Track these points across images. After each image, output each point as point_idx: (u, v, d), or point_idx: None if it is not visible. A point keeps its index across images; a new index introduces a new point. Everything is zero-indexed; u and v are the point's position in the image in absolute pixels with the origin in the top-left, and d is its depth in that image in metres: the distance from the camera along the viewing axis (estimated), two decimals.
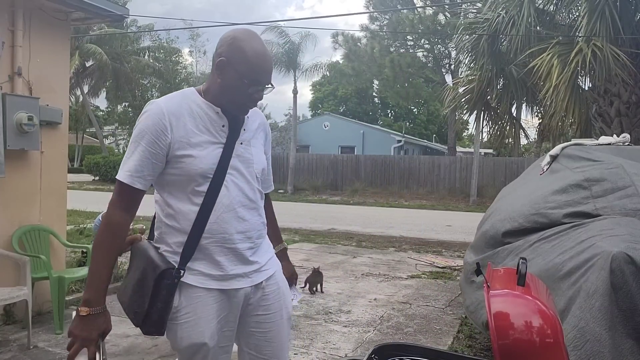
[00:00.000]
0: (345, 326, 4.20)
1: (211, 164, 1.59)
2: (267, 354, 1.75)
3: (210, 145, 1.60)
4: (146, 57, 27.84)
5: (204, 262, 1.60)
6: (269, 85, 1.65)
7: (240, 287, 1.64)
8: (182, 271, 1.57)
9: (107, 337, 3.70)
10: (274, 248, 1.87)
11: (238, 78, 1.57)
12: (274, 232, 1.96)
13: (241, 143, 1.67)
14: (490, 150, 30.64)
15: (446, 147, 29.18)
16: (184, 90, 1.67)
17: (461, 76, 10.96)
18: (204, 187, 1.59)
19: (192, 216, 1.58)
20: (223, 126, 1.64)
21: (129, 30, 26.60)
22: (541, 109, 10.07)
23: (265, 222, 1.77)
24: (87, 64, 25.57)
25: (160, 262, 1.56)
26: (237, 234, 1.63)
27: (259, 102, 1.72)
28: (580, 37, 7.55)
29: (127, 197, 1.58)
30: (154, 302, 1.55)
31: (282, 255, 1.97)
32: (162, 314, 1.56)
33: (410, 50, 25.99)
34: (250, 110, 1.70)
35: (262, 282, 1.70)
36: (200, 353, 1.59)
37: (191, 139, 1.58)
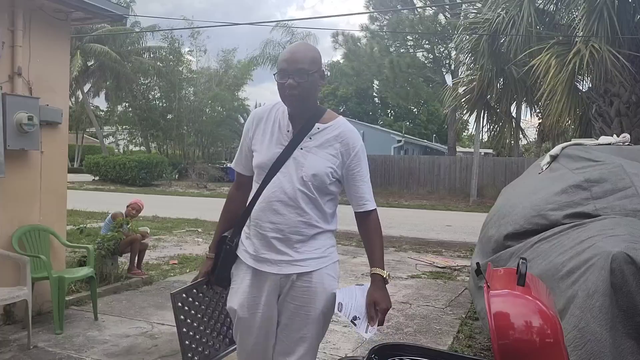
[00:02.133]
0: (345, 326, 4.20)
1: (267, 160, 1.89)
2: (282, 343, 1.95)
3: (273, 145, 1.91)
4: (147, 57, 27.83)
5: (248, 240, 1.93)
6: (297, 73, 1.80)
7: (268, 271, 1.88)
8: (232, 242, 1.97)
9: (107, 337, 3.69)
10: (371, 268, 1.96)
11: (276, 73, 1.85)
12: (369, 255, 1.99)
13: (301, 148, 1.89)
14: (490, 150, 30.63)
15: (446, 147, 29.18)
16: (280, 101, 1.95)
17: (461, 76, 10.95)
18: (261, 178, 1.92)
19: (249, 200, 1.95)
20: (288, 131, 1.91)
21: (130, 30, 26.57)
22: (541, 108, 10.06)
23: (310, 222, 1.88)
24: (88, 64, 25.55)
25: (227, 232, 2.03)
26: (269, 223, 1.87)
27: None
28: (578, 38, 7.54)
29: (237, 179, 2.09)
30: (217, 261, 2.01)
31: (373, 280, 1.95)
32: (221, 271, 1.98)
33: (410, 51, 25.99)
34: (334, 123, 1.93)
35: (293, 275, 1.88)
36: (234, 317, 1.94)
37: (261, 137, 1.94)
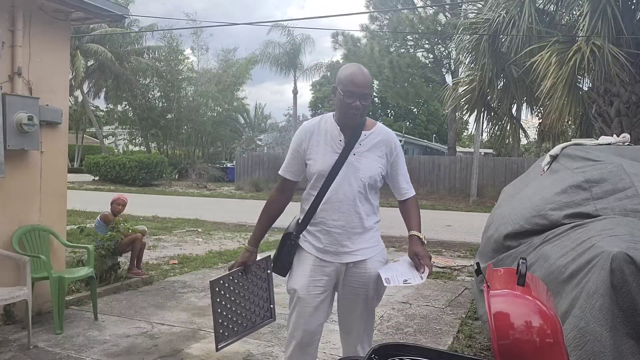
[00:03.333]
0: None
1: (326, 167, 2.21)
2: (344, 321, 2.38)
3: (329, 154, 2.22)
4: (147, 57, 27.81)
5: (313, 235, 2.26)
6: (363, 97, 2.14)
7: (331, 261, 2.23)
8: (297, 238, 2.29)
9: (107, 337, 3.69)
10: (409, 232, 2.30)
11: (340, 93, 2.15)
12: (408, 222, 2.36)
13: (354, 154, 2.22)
14: (490, 150, 30.64)
15: (446, 147, 29.17)
16: (324, 115, 2.32)
17: (461, 76, 10.95)
18: (320, 183, 2.23)
19: (311, 202, 2.25)
20: (340, 140, 2.23)
21: (130, 30, 26.57)
22: (541, 108, 10.06)
23: (364, 217, 2.24)
24: (88, 64, 25.55)
25: (290, 228, 2.34)
26: (333, 221, 2.22)
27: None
28: (580, 36, 7.54)
29: (282, 184, 2.37)
30: (280, 253, 2.35)
31: (411, 240, 2.26)
32: (284, 261, 2.33)
33: (410, 51, 25.98)
34: (376, 128, 2.28)
35: (350, 263, 2.23)
36: (294, 296, 2.26)
37: (316, 148, 2.26)
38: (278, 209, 2.35)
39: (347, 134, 2.23)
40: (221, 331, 2.26)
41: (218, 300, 2.24)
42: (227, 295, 2.27)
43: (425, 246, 2.22)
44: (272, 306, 2.43)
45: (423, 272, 2.13)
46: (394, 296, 5.22)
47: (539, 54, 7.77)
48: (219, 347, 2.24)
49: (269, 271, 2.43)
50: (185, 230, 9.83)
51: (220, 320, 2.24)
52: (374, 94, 40.19)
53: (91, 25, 20.44)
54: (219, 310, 2.24)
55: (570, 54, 7.36)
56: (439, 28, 23.59)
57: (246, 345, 3.67)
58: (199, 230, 9.89)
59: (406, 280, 2.11)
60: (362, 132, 2.25)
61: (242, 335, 2.34)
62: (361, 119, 2.22)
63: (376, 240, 2.33)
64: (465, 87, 9.99)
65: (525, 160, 20.02)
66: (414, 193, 2.38)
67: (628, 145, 4.24)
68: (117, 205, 5.74)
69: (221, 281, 2.26)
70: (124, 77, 25.92)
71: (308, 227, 2.28)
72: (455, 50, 16.20)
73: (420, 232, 2.26)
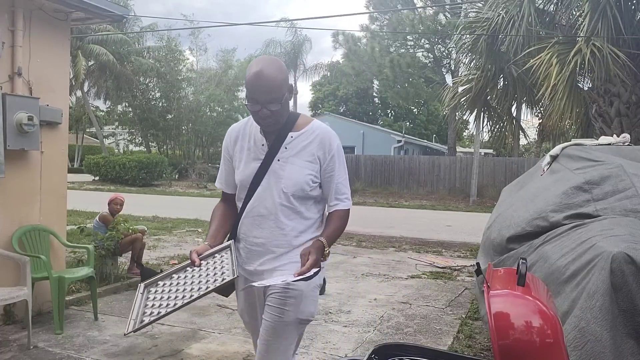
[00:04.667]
0: (345, 326, 4.20)
1: (247, 176, 1.94)
2: (259, 348, 1.95)
3: (251, 161, 1.94)
4: (147, 57, 27.82)
5: (239, 253, 2.00)
6: (270, 103, 1.79)
7: (252, 280, 1.93)
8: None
9: (107, 337, 3.69)
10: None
11: (246, 99, 1.85)
12: (324, 231, 1.96)
13: (278, 160, 1.91)
14: (490, 150, 30.64)
15: (446, 147, 29.18)
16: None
17: (461, 76, 10.96)
18: (243, 195, 1.98)
19: (236, 216, 2.02)
20: (262, 145, 1.93)
21: (130, 31, 26.57)
22: (541, 108, 10.07)
23: (291, 234, 1.91)
24: (89, 64, 25.56)
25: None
26: (253, 238, 1.94)
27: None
28: (580, 37, 7.54)
29: (222, 194, 2.12)
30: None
31: (312, 243, 1.88)
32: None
33: (411, 50, 25.98)
34: (308, 128, 1.93)
35: (270, 285, 1.86)
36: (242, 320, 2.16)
37: (240, 155, 1.99)
38: (222, 214, 2.06)
39: (272, 137, 1.92)
40: (141, 319, 1.76)
41: (149, 297, 1.85)
42: (159, 289, 1.87)
43: (323, 254, 1.84)
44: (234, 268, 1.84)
45: (298, 275, 1.77)
46: (394, 296, 5.22)
47: (539, 56, 7.77)
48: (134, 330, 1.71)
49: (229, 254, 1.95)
50: (185, 230, 9.83)
51: (145, 311, 1.78)
52: (374, 94, 40.29)
53: (92, 26, 20.43)
54: (148, 303, 1.81)
55: (571, 55, 7.36)
56: (439, 28, 23.59)
57: (246, 345, 3.67)
58: (199, 230, 9.89)
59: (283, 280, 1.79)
60: (289, 133, 1.91)
61: (173, 310, 1.76)
62: (277, 126, 1.88)
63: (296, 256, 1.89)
64: (465, 87, 10.00)
65: (525, 160, 20.03)
66: (346, 207, 1.99)
67: (628, 145, 4.25)
68: (115, 205, 5.73)
69: (159, 282, 1.90)
70: (124, 77, 25.92)
71: (236, 244, 2.01)
72: (455, 50, 16.22)
73: (328, 241, 1.87)
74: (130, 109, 29.86)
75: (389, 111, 42.61)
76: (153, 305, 1.77)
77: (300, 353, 3.55)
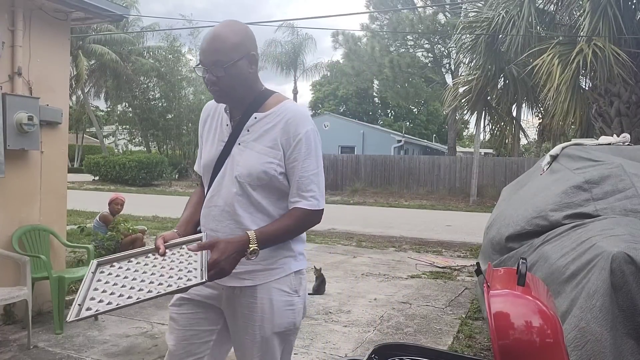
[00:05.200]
0: (345, 326, 4.20)
1: (210, 160, 1.72)
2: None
3: (216, 143, 1.72)
4: (147, 57, 27.83)
5: None
6: (213, 66, 1.56)
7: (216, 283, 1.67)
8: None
9: (107, 337, 3.69)
10: None
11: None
12: (266, 225, 1.64)
13: (239, 144, 1.67)
14: (490, 150, 30.65)
15: (446, 147, 29.19)
16: None
17: (461, 76, 10.97)
18: (207, 180, 1.75)
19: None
20: (227, 125, 1.71)
21: (131, 31, 26.57)
22: (541, 109, 10.07)
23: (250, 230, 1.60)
24: (90, 64, 25.57)
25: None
26: (210, 232, 1.69)
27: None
28: (581, 37, 7.55)
29: (201, 178, 1.85)
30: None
31: (234, 236, 1.61)
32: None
33: (411, 50, 26.00)
34: (275, 110, 1.66)
35: (235, 287, 1.67)
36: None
37: (207, 135, 1.79)
38: (197, 202, 1.81)
39: (237, 117, 1.70)
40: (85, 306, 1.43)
41: (99, 279, 1.54)
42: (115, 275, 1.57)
43: (245, 252, 1.53)
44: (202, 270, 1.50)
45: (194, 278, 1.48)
46: (394, 296, 5.22)
47: (541, 57, 7.78)
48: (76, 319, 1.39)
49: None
50: None
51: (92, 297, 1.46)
52: (374, 94, 40.30)
53: (93, 26, 20.44)
54: (98, 287, 1.50)
55: (573, 55, 7.37)
56: (439, 28, 23.60)
57: None
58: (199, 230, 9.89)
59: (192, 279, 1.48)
60: (254, 114, 1.66)
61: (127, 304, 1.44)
62: (225, 99, 1.66)
63: (278, 262, 1.67)
64: (465, 87, 10.01)
65: (525, 160, 20.03)
66: (308, 207, 1.64)
67: (628, 145, 4.25)
68: (116, 205, 5.73)
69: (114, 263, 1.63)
70: (125, 77, 25.92)
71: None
72: (455, 49, 16.22)
73: (260, 238, 1.56)
74: (130, 109, 29.86)
75: (389, 111, 42.62)
76: (104, 291, 1.47)
77: (300, 353, 3.55)
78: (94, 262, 1.62)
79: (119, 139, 37.76)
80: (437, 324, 4.35)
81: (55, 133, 4.40)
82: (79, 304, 1.41)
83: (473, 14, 11.16)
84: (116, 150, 36.14)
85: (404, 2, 24.97)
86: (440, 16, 24.00)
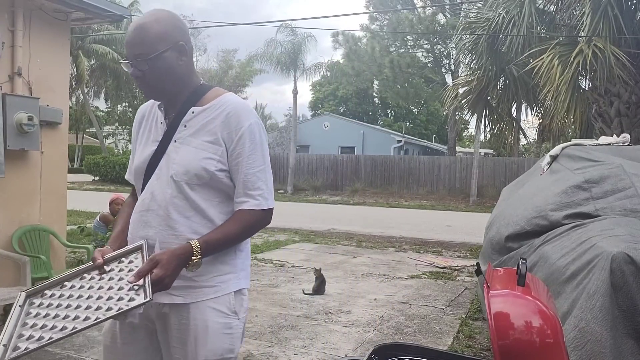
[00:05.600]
0: (345, 326, 4.20)
1: (142, 162, 1.57)
2: None
3: (150, 144, 1.57)
4: None
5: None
6: (136, 60, 1.44)
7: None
8: None
9: None
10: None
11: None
12: (213, 230, 1.50)
13: (175, 141, 1.52)
14: (490, 150, 30.66)
15: (446, 147, 29.20)
16: None
17: (461, 76, 10.98)
18: (139, 186, 1.59)
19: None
20: (161, 123, 1.57)
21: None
22: (541, 109, 10.08)
23: (187, 238, 1.44)
24: (91, 64, 25.58)
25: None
26: (140, 238, 1.51)
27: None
28: (582, 37, 7.55)
29: (132, 187, 1.70)
30: None
31: (177, 247, 1.44)
32: None
33: (410, 51, 26.02)
34: (214, 103, 1.52)
35: (164, 305, 1.49)
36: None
37: (141, 137, 1.63)
38: (130, 213, 1.61)
39: (172, 113, 1.57)
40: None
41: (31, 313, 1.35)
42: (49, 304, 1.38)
43: (188, 263, 1.39)
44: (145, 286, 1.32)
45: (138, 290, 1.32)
46: (394, 296, 5.22)
47: (541, 57, 7.78)
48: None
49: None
50: None
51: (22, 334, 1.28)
52: (374, 94, 40.31)
53: (93, 26, 20.46)
54: (28, 322, 1.31)
55: (573, 56, 7.37)
56: (438, 28, 23.63)
57: (246, 345, 3.67)
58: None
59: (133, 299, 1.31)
60: (191, 108, 1.53)
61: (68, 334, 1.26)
62: (154, 95, 1.54)
63: (216, 279, 1.49)
64: (465, 87, 10.01)
65: (525, 160, 20.03)
66: (256, 207, 1.50)
67: (628, 145, 4.25)
68: (117, 205, 5.73)
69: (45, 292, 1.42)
70: (125, 77, 25.92)
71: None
72: (455, 50, 16.23)
73: (205, 247, 1.41)
74: (130, 109, 29.88)
75: (389, 111, 42.63)
76: (34, 325, 1.28)
77: (300, 353, 3.55)
78: (22, 295, 1.40)
79: (119, 139, 37.76)
80: (437, 324, 4.35)
81: (55, 133, 4.40)
82: (3, 345, 1.22)
83: (473, 14, 11.17)
84: (116, 150, 36.15)
85: (403, 3, 25.00)
86: (440, 16, 24.02)
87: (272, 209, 1.55)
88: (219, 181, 1.50)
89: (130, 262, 1.45)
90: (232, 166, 1.51)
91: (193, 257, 1.39)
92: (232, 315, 1.52)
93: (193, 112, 1.53)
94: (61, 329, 1.25)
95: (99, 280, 1.40)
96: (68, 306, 1.33)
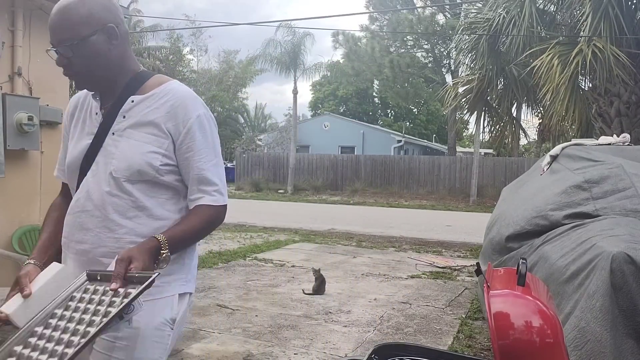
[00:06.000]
0: (345, 326, 4.20)
1: (76, 157, 1.42)
2: None
3: (84, 137, 1.43)
4: (147, 57, 27.86)
5: (66, 261, 1.43)
6: (60, 45, 1.36)
7: None
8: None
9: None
10: None
11: None
12: (172, 227, 1.36)
13: (113, 133, 1.38)
14: (490, 150, 30.67)
15: (446, 147, 29.21)
16: None
17: (461, 76, 10.98)
18: (74, 184, 1.44)
19: None
20: (96, 113, 1.42)
21: (131, 31, 26.60)
22: (541, 109, 10.08)
23: (127, 240, 1.32)
24: None
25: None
26: (76, 244, 1.38)
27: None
28: (582, 37, 7.55)
29: (62, 186, 1.57)
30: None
31: (141, 243, 1.28)
32: None
33: (410, 51, 26.03)
34: (157, 91, 1.39)
35: None
36: None
37: (74, 129, 1.49)
38: (59, 217, 1.48)
39: (109, 103, 1.42)
40: None
41: None
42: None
43: (157, 259, 1.26)
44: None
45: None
46: (394, 296, 5.22)
47: (540, 57, 7.79)
48: None
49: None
50: None
51: None
52: (374, 94, 40.29)
53: None
54: None
55: (572, 55, 7.37)
56: (438, 28, 23.64)
57: (246, 345, 3.67)
58: None
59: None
60: (131, 97, 1.39)
61: None
62: (86, 85, 1.41)
63: (160, 278, 1.22)
64: (465, 87, 10.02)
65: (525, 160, 20.04)
66: (214, 203, 1.39)
67: (628, 145, 4.25)
68: None
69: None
70: None
71: (66, 254, 1.44)
72: (455, 50, 16.25)
73: (170, 242, 1.28)
74: None
75: (389, 111, 42.62)
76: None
77: (300, 353, 3.55)
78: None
79: None
80: (437, 324, 4.34)
81: (55, 133, 4.40)
82: None
83: (473, 14, 11.17)
84: None
85: (403, 3, 25.01)
86: (440, 17, 24.04)
87: (226, 205, 1.45)
88: (165, 177, 1.37)
89: (95, 291, 1.21)
90: (181, 161, 1.39)
91: (162, 251, 1.26)
92: (167, 324, 1.39)
93: (133, 101, 1.39)
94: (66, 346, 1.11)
95: (59, 321, 1.18)
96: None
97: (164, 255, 1.26)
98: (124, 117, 1.38)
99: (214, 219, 1.41)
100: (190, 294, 1.48)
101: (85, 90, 1.48)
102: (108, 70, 1.38)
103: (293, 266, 6.62)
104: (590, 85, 8.46)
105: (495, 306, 1.43)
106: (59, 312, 1.21)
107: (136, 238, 1.33)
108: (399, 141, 28.58)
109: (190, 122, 1.37)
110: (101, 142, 1.38)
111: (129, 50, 1.44)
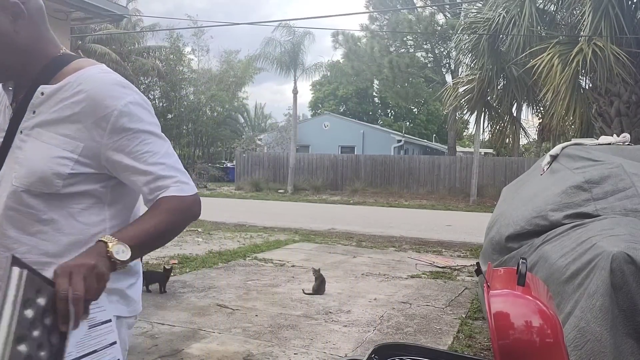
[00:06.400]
0: (345, 326, 4.20)
1: None
2: None
3: None
4: (147, 57, 27.88)
5: None
6: None
7: None
8: None
9: None
10: None
11: None
12: (130, 225, 1.14)
13: (21, 132, 1.15)
14: (490, 150, 30.67)
15: (446, 147, 29.21)
16: None
17: (461, 76, 10.99)
18: None
19: None
20: (8, 107, 1.21)
21: (132, 31, 26.61)
22: (542, 108, 10.09)
23: (27, 260, 0.97)
24: None
25: None
26: None
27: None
28: (582, 36, 7.56)
29: None
30: None
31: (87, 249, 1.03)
32: None
33: (410, 51, 26.04)
34: (71, 80, 1.15)
35: None
36: None
37: None
38: None
39: (17, 93, 1.20)
40: None
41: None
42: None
43: (109, 264, 0.98)
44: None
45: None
46: (394, 296, 5.22)
47: (540, 56, 7.79)
48: None
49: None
50: (185, 230, 9.82)
51: None
52: (374, 93, 40.30)
53: (92, 25, 20.47)
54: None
55: (572, 55, 7.38)
56: (438, 28, 23.65)
57: (246, 345, 3.67)
58: (199, 230, 9.89)
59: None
60: (40, 87, 1.15)
61: None
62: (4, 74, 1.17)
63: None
64: (465, 87, 10.03)
65: (525, 160, 20.04)
66: (180, 193, 1.15)
67: (628, 145, 4.25)
68: None
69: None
70: (124, 77, 25.93)
71: None
72: (455, 50, 16.25)
73: (130, 240, 1.04)
74: None
75: (389, 111, 42.64)
76: None
77: (300, 353, 3.55)
78: None
79: None
80: (437, 324, 4.34)
81: None
82: None
83: (473, 13, 11.17)
84: None
85: (403, 3, 25.01)
86: (440, 16, 24.05)
87: (197, 196, 1.21)
88: (78, 187, 1.13)
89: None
90: (112, 163, 1.14)
91: (108, 248, 0.99)
92: (111, 348, 1.13)
93: (42, 94, 1.14)
94: None
95: None
96: None
97: (113, 249, 1.00)
98: (34, 112, 1.14)
99: (184, 211, 1.16)
100: (131, 317, 1.26)
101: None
102: (15, 55, 1.14)
103: (293, 266, 6.62)
104: (591, 84, 8.46)
105: (495, 306, 1.43)
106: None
107: (40, 257, 1.11)
108: (399, 141, 28.59)
109: (115, 116, 1.12)
110: (10, 142, 1.15)
111: (44, 31, 1.20)
